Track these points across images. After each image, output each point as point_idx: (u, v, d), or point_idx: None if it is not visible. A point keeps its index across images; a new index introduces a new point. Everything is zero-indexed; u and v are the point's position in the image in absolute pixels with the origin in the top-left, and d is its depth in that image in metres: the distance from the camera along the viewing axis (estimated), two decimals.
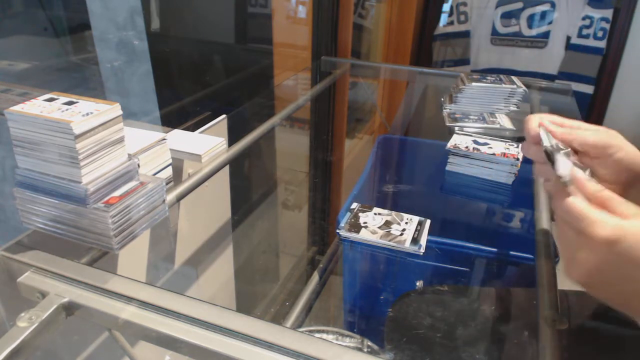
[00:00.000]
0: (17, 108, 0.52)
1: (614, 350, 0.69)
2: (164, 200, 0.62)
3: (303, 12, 1.46)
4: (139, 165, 0.60)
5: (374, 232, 0.82)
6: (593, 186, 0.44)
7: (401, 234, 0.82)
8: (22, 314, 0.47)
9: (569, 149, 0.49)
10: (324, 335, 0.90)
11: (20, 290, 0.53)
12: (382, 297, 0.98)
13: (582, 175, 0.45)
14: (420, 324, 0.81)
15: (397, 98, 2.20)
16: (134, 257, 0.75)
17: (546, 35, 2.21)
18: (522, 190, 0.95)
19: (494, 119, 1.14)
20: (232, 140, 0.88)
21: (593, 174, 0.48)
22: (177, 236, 0.87)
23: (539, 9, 2.20)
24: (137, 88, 1.07)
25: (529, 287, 0.85)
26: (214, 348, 0.44)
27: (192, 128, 0.88)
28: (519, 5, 2.22)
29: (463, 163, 1.01)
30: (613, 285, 0.43)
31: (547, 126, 0.52)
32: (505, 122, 1.13)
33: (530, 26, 2.23)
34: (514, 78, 1.21)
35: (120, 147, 0.57)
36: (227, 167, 0.88)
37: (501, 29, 2.28)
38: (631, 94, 2.16)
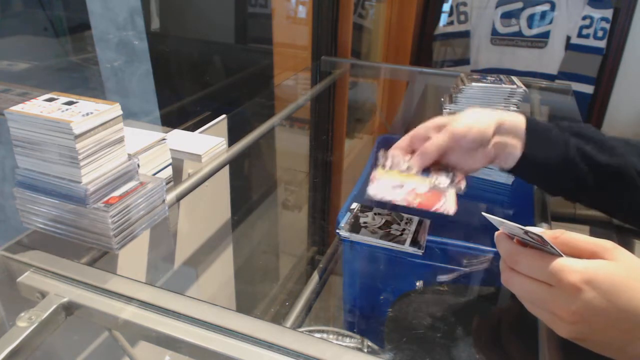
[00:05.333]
0: (17, 108, 0.52)
1: None
2: (163, 200, 0.62)
3: (303, 12, 1.46)
4: (139, 165, 0.60)
5: (373, 232, 0.82)
6: (552, 232, 0.43)
7: (401, 234, 0.82)
8: (22, 314, 0.47)
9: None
10: (324, 335, 0.90)
11: (20, 290, 0.53)
12: (382, 297, 0.98)
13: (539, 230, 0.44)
14: (420, 324, 0.81)
15: (397, 98, 2.19)
16: (134, 257, 0.75)
17: (546, 35, 2.21)
18: (522, 190, 0.95)
19: None
20: (232, 140, 0.88)
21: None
22: (177, 236, 0.87)
23: (539, 8, 2.20)
24: (137, 88, 1.07)
25: None
26: (214, 348, 0.44)
27: (192, 128, 0.88)
28: (519, 5, 2.22)
29: None
30: (603, 333, 0.41)
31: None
32: None
33: (530, 26, 2.23)
34: (514, 78, 1.21)
35: (120, 147, 0.57)
36: (227, 167, 0.88)
37: (501, 29, 2.28)
38: (631, 94, 2.16)
